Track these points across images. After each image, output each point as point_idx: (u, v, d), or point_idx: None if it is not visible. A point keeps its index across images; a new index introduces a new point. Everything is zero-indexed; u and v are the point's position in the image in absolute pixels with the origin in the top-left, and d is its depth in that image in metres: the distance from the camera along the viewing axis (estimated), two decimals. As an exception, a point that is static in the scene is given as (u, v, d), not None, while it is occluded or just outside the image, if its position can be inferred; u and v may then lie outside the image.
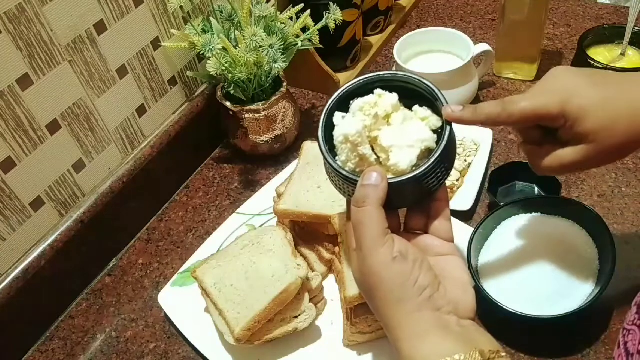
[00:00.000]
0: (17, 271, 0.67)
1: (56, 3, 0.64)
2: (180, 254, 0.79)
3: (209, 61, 0.75)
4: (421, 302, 0.44)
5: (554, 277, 0.62)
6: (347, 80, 0.98)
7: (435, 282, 0.46)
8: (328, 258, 0.70)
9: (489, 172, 0.78)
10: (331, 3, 0.80)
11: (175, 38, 0.81)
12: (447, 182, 0.60)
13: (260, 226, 0.76)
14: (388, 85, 0.52)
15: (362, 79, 0.53)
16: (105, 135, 0.76)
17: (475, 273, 0.63)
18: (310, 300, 0.64)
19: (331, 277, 0.71)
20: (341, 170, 0.50)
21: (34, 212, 0.69)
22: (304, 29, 0.82)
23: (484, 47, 0.89)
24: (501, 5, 0.89)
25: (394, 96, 0.51)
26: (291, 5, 0.83)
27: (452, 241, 0.52)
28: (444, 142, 0.49)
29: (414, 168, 0.49)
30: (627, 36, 0.87)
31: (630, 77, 0.50)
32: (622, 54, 0.89)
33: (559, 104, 0.48)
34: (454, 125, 0.50)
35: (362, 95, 0.52)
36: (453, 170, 0.77)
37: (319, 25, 0.81)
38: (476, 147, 0.83)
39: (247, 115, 0.82)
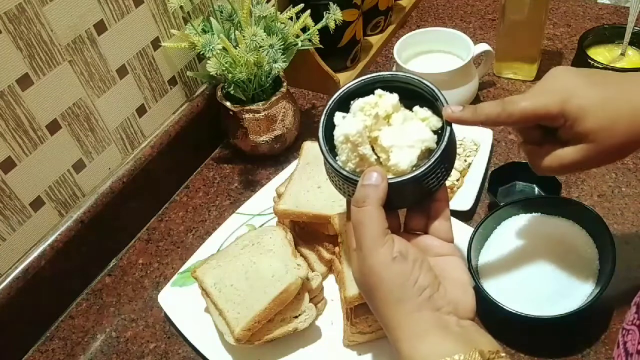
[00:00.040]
0: (17, 271, 0.67)
1: (56, 3, 0.64)
2: (180, 254, 0.79)
3: (209, 61, 0.75)
4: (421, 302, 0.44)
5: (554, 277, 0.62)
6: (347, 80, 0.98)
7: (435, 282, 0.46)
8: (328, 258, 0.70)
9: (489, 172, 0.78)
10: (331, 3, 0.80)
11: (175, 38, 0.81)
12: (447, 182, 0.60)
13: (260, 226, 0.76)
14: (388, 85, 0.52)
15: (363, 79, 0.53)
16: (105, 135, 0.76)
17: (475, 273, 0.63)
18: (310, 300, 0.64)
19: (331, 277, 0.71)
20: (341, 170, 0.50)
21: (34, 212, 0.69)
22: (304, 29, 0.82)
23: (484, 47, 0.89)
24: (501, 5, 0.89)
25: (395, 96, 0.51)
26: (291, 5, 0.83)
27: (452, 241, 0.52)
28: (444, 143, 0.49)
29: (414, 168, 0.49)
30: (627, 36, 0.87)
31: (630, 77, 0.50)
32: (622, 54, 0.89)
33: (558, 103, 0.48)
34: (454, 125, 0.50)
35: (362, 96, 0.52)
36: (453, 170, 0.77)
37: (319, 25, 0.81)
38: (476, 147, 0.83)
39: (247, 115, 0.82)
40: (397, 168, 0.49)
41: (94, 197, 0.74)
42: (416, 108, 0.52)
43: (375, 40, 1.08)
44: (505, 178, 0.77)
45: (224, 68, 0.76)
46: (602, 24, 0.99)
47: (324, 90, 0.99)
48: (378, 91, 0.51)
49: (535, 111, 0.49)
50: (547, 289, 0.62)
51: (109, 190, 0.76)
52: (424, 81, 0.51)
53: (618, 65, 0.87)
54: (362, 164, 0.50)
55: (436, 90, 0.51)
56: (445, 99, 0.50)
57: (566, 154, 0.50)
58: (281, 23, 0.81)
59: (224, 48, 0.74)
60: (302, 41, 0.82)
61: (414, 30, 0.94)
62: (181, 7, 0.73)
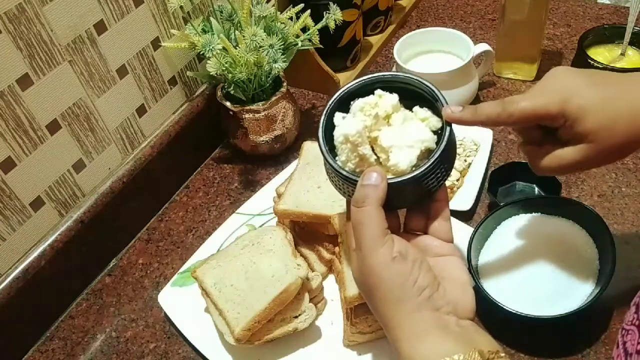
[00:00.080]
0: (17, 271, 0.67)
1: (56, 3, 0.64)
2: (180, 254, 0.79)
3: (209, 61, 0.75)
4: (420, 302, 0.44)
5: (554, 277, 0.62)
6: (347, 80, 0.98)
7: (434, 282, 0.46)
8: (328, 258, 0.70)
9: (489, 172, 0.78)
10: (331, 3, 0.80)
11: (175, 38, 0.81)
12: (447, 182, 0.60)
13: (260, 226, 0.76)
14: (388, 85, 0.52)
15: (363, 80, 0.53)
16: (105, 135, 0.76)
17: (475, 273, 0.63)
18: (310, 300, 0.64)
19: (331, 277, 0.71)
20: (341, 171, 0.50)
21: (34, 212, 0.69)
22: (304, 29, 0.82)
23: (484, 47, 0.89)
24: (501, 5, 0.89)
25: (395, 97, 0.51)
26: (291, 5, 0.83)
27: (452, 242, 0.52)
28: (444, 143, 0.49)
29: (413, 168, 0.49)
30: (627, 36, 0.87)
31: (630, 78, 0.50)
32: (622, 54, 0.89)
33: (558, 103, 0.48)
34: (454, 125, 0.50)
35: (362, 96, 0.52)
36: (453, 170, 0.77)
37: (319, 25, 0.81)
38: (476, 147, 0.83)
39: (247, 115, 0.82)
40: (396, 168, 0.49)
41: (94, 197, 0.74)
42: (416, 108, 0.52)
43: (375, 40, 1.08)
44: (505, 178, 0.77)
45: (224, 68, 0.76)
46: (602, 24, 0.99)
47: (324, 90, 0.99)
48: (378, 91, 0.51)
49: (535, 111, 0.49)
50: (547, 289, 0.62)
51: (109, 190, 0.76)
52: (424, 81, 0.51)
53: (618, 65, 0.87)
54: (361, 164, 0.51)
55: (436, 91, 0.51)
56: (445, 99, 0.50)
57: (566, 154, 0.50)
58: (281, 23, 0.81)
59: (224, 48, 0.74)
60: (302, 41, 0.82)
61: (414, 30, 0.94)
62: (181, 7, 0.73)
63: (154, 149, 0.81)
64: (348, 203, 0.51)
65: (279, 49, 0.77)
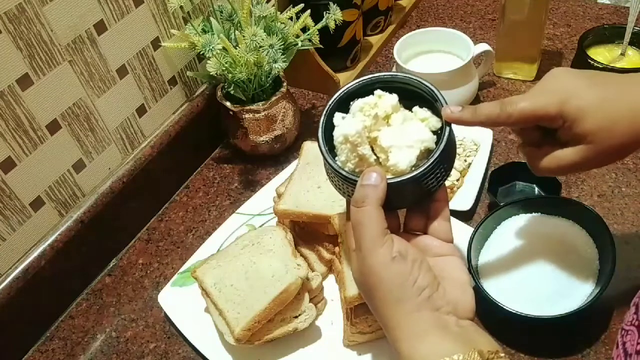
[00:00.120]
0: (17, 271, 0.67)
1: (56, 3, 0.64)
2: (180, 254, 0.79)
3: (209, 61, 0.75)
4: (420, 302, 0.44)
5: (554, 277, 0.62)
6: (347, 80, 0.98)
7: (434, 282, 0.46)
8: (328, 258, 0.70)
9: (489, 172, 0.78)
10: (331, 3, 0.80)
11: (175, 38, 0.81)
12: (447, 182, 0.60)
13: (260, 226, 0.76)
14: (388, 86, 0.52)
15: (362, 80, 0.53)
16: (105, 135, 0.76)
17: (475, 273, 0.63)
18: (310, 300, 0.64)
19: (331, 277, 0.71)
20: (340, 171, 0.50)
21: (34, 212, 0.69)
22: (304, 29, 0.82)
23: (484, 47, 0.89)
24: (501, 5, 0.89)
25: (394, 97, 0.51)
26: (291, 5, 0.83)
27: (452, 242, 0.52)
28: (443, 143, 0.49)
29: (413, 168, 0.49)
30: (627, 36, 0.87)
31: (629, 78, 0.50)
32: (622, 54, 0.89)
33: (557, 104, 0.48)
34: (453, 126, 0.50)
35: (362, 96, 0.52)
36: (453, 170, 0.78)
37: (319, 25, 0.81)
38: (476, 147, 0.83)
39: (247, 115, 0.82)
40: (396, 168, 0.49)
41: (94, 197, 0.74)
42: (415, 108, 0.52)
43: (375, 40, 1.08)
44: (505, 178, 0.77)
45: (224, 68, 0.76)
46: (602, 24, 0.99)
47: (324, 90, 0.99)
48: (377, 92, 0.51)
49: (534, 112, 0.49)
50: (547, 289, 0.62)
51: (109, 190, 0.76)
52: (423, 81, 0.51)
53: (618, 65, 0.87)
54: (361, 164, 0.51)
55: (435, 91, 0.51)
56: (444, 99, 0.50)
57: (565, 155, 0.50)
58: (281, 23, 0.81)
59: (224, 48, 0.74)
60: (302, 41, 0.82)
61: (414, 30, 0.94)
62: (181, 7, 0.74)
63: (154, 149, 0.81)
64: (348, 203, 0.51)
65: (279, 49, 0.77)
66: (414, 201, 0.52)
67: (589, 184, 0.78)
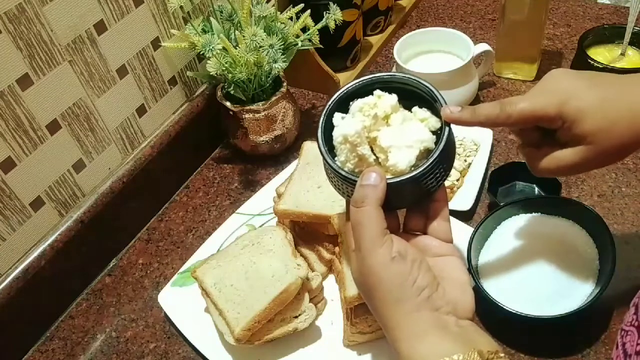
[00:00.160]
0: (17, 271, 0.67)
1: (56, 3, 0.64)
2: (180, 254, 0.79)
3: (209, 61, 0.75)
4: (420, 302, 0.44)
5: (554, 277, 0.62)
6: (347, 80, 0.98)
7: (433, 282, 0.46)
8: (328, 258, 0.70)
9: (489, 172, 0.78)
10: (331, 3, 0.80)
11: (175, 38, 0.81)
12: (447, 182, 0.60)
13: (260, 226, 0.76)
14: (387, 86, 0.52)
15: (362, 80, 0.53)
16: (105, 135, 0.76)
17: (475, 273, 0.63)
18: (310, 300, 0.64)
19: (331, 277, 0.71)
20: (340, 171, 0.50)
21: (34, 212, 0.69)
22: (304, 29, 0.82)
23: (484, 47, 0.89)
24: (501, 5, 0.89)
25: (394, 97, 0.51)
26: (291, 5, 0.83)
27: (451, 242, 0.52)
28: (443, 143, 0.49)
29: (412, 168, 0.49)
30: (627, 36, 0.87)
31: (629, 79, 0.50)
32: (622, 54, 0.89)
33: (556, 105, 0.48)
34: (453, 126, 0.50)
35: (361, 96, 0.52)
36: (453, 170, 0.78)
37: (319, 25, 0.81)
38: (476, 147, 0.83)
39: (247, 115, 0.82)
40: (395, 168, 0.49)
41: (94, 197, 0.74)
42: (415, 109, 0.52)
43: (375, 40, 1.08)
44: (505, 178, 0.77)
45: (224, 68, 0.76)
46: (602, 24, 0.99)
47: (324, 90, 0.99)
48: (377, 92, 0.51)
49: (533, 112, 0.49)
50: (547, 289, 0.62)
51: (109, 190, 0.76)
52: (423, 82, 0.51)
53: (618, 65, 0.87)
54: (360, 164, 0.51)
55: (435, 91, 0.51)
56: (444, 99, 0.50)
57: (564, 155, 0.50)
58: (281, 23, 0.81)
59: (224, 48, 0.74)
60: (302, 41, 0.82)
61: (414, 30, 0.94)
62: (181, 7, 0.74)
63: (154, 149, 0.81)
64: (347, 203, 0.51)
65: (279, 49, 0.77)
66: (413, 201, 0.52)
67: (589, 184, 0.78)
